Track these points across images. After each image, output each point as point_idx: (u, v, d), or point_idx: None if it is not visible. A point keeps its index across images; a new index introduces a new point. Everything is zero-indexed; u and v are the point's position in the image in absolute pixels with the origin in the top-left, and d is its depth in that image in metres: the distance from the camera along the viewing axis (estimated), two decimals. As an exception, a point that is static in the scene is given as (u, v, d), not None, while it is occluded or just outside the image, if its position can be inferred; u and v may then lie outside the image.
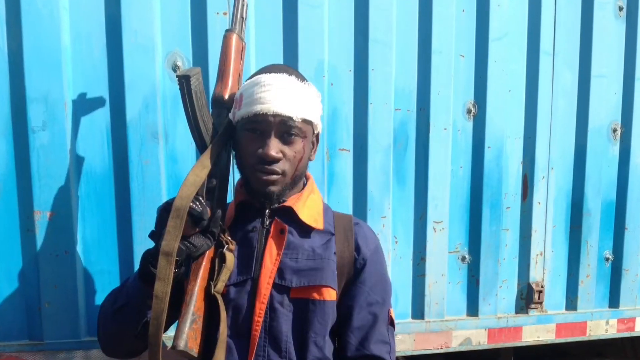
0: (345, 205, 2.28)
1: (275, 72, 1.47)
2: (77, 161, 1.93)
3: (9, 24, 1.82)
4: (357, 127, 2.28)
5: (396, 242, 2.40)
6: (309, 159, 1.57)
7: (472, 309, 2.62)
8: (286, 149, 1.45)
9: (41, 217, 1.89)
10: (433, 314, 2.50)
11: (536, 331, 2.78)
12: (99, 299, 1.45)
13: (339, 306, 1.55)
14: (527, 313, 2.76)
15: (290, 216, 1.53)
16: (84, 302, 2.00)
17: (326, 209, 1.64)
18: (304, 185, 1.62)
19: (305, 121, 1.46)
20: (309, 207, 1.56)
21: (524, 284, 2.74)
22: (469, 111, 2.51)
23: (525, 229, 2.70)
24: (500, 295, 2.67)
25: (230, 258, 1.44)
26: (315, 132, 1.55)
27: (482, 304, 2.62)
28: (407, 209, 2.42)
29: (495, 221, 2.60)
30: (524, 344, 2.79)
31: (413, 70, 2.36)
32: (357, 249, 1.56)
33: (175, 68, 1.98)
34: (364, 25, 2.24)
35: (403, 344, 2.45)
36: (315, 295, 1.49)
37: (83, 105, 1.91)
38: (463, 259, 2.58)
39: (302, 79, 1.51)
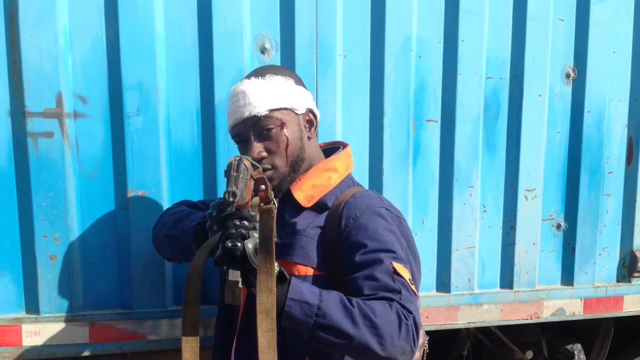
0: (431, 176, 2.31)
1: (239, 82, 1.57)
2: (169, 143, 2.03)
3: (107, 15, 1.92)
4: (445, 98, 2.28)
5: (485, 211, 2.40)
6: (305, 139, 1.59)
7: (567, 278, 2.58)
8: (268, 144, 1.52)
9: (134, 196, 2.01)
10: (523, 284, 2.48)
11: (640, 301, 2.71)
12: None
13: (346, 282, 1.48)
14: (629, 282, 2.68)
15: (290, 197, 1.59)
16: (171, 275, 2.10)
17: (344, 186, 1.63)
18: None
19: (274, 110, 1.50)
20: (312, 185, 1.58)
21: (626, 251, 2.67)
22: (567, 75, 2.43)
23: (630, 194, 2.62)
24: (599, 263, 2.61)
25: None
26: (298, 113, 1.57)
27: (578, 273, 2.57)
28: (497, 177, 2.40)
29: (594, 187, 2.53)
30: (625, 314, 2.72)
31: (507, 38, 2.32)
32: (341, 217, 1.53)
33: (263, 50, 2.06)
34: (454, -3, 2.22)
35: (489, 314, 2.46)
36: (294, 271, 1.51)
37: (175, 90, 2.01)
38: (558, 226, 2.54)
39: (267, 73, 1.54)
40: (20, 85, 1.87)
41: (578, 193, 2.52)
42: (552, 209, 2.53)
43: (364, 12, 2.15)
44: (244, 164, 1.32)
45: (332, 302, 1.30)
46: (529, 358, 2.89)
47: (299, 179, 1.59)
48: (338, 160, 1.65)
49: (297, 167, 1.58)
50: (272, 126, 1.51)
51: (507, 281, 2.49)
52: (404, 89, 2.22)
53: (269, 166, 1.52)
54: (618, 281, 2.69)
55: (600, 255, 2.62)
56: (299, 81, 1.62)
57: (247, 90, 1.51)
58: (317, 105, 1.71)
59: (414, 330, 1.34)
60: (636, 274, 2.67)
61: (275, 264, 1.24)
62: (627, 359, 3.09)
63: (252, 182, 1.34)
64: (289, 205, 1.59)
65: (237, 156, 1.36)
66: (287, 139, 1.53)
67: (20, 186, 1.94)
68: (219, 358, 1.71)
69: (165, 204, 2.02)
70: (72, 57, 1.91)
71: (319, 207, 1.58)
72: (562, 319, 2.62)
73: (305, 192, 1.58)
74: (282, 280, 1.28)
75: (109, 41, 1.94)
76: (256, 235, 1.26)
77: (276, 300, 1.24)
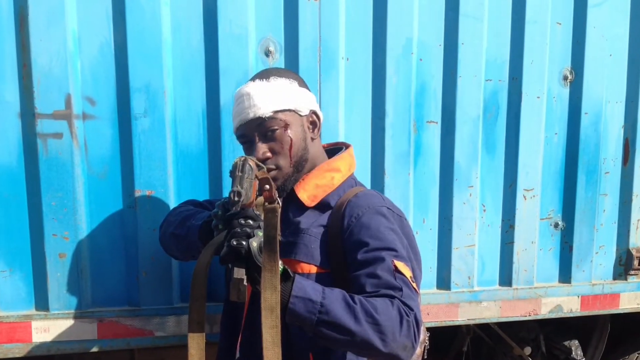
0: (431, 176, 2.35)
1: (244, 85, 1.59)
2: (175, 144, 2.06)
3: (115, 20, 1.95)
4: (446, 100, 2.32)
5: (484, 210, 2.44)
6: (309, 140, 1.62)
7: (565, 276, 2.62)
8: (272, 144, 1.54)
9: (141, 195, 2.04)
10: (521, 281, 2.52)
11: (635, 298, 2.74)
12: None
13: (349, 280, 1.49)
14: (625, 280, 2.72)
15: (293, 197, 1.62)
16: (178, 272, 2.13)
17: (346, 186, 1.66)
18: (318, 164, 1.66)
19: (278, 112, 1.53)
20: (315, 185, 1.61)
21: (623, 249, 2.71)
22: (565, 78, 2.47)
23: (626, 194, 2.66)
24: (595, 261, 2.65)
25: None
26: (302, 115, 1.60)
27: (576, 271, 2.61)
28: (496, 177, 2.45)
29: (591, 187, 2.58)
30: (622, 311, 2.76)
31: (505, 41, 2.36)
32: (343, 216, 1.56)
33: (267, 53, 2.09)
34: (454, 0, 2.26)
35: (488, 311, 2.50)
36: (298, 269, 1.54)
37: (181, 93, 2.04)
38: (556, 225, 2.58)
39: (271, 75, 1.57)
40: (30, 88, 1.90)
41: (575, 193, 2.56)
42: (550, 208, 2.57)
43: (366, 16, 2.19)
44: (249, 164, 1.36)
45: (335, 299, 1.32)
46: (528, 354, 2.94)
47: (303, 179, 1.61)
48: (341, 160, 1.68)
49: (301, 167, 1.61)
50: (276, 127, 1.53)
51: (506, 279, 2.53)
52: (405, 91, 2.25)
53: (273, 166, 1.54)
54: (614, 279, 2.73)
55: (597, 253, 2.66)
56: (302, 83, 1.64)
57: (251, 92, 1.54)
58: (320, 107, 1.75)
59: (415, 327, 1.36)
60: (632, 272, 2.71)
61: (280, 262, 1.26)
62: (623, 355, 3.13)
63: (257, 182, 1.37)
64: (293, 204, 1.62)
65: (242, 157, 1.40)
66: (291, 140, 1.55)
67: (30, 186, 1.96)
68: (225, 354, 1.73)
69: (172, 204, 2.05)
70: (81, 60, 1.94)
71: (322, 206, 1.61)
72: (560, 316, 2.66)
73: (308, 191, 1.61)
74: (286, 278, 1.30)
75: (117, 45, 1.97)
76: (261, 234, 1.27)
77: (280, 297, 1.26)
